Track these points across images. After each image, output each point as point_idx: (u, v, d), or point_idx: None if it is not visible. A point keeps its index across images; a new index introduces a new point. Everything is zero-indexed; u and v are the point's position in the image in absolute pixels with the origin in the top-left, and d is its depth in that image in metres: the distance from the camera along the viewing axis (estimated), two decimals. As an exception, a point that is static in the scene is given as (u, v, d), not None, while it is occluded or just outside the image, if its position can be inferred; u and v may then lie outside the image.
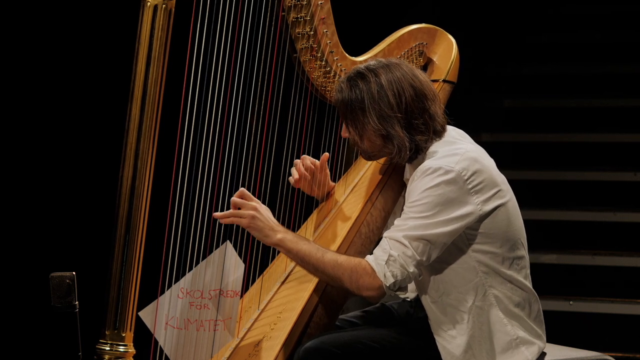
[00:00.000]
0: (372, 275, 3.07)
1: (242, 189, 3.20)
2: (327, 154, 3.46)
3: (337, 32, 3.41)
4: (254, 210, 3.15)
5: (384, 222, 3.40)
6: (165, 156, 3.07)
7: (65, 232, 4.93)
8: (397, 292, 3.25)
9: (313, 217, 3.53)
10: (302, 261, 3.15)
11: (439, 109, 3.20)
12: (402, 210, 3.17)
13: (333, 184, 3.56)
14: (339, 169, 3.59)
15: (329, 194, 3.55)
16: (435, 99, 3.20)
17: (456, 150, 3.14)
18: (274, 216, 3.23)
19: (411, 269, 3.07)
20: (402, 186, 3.43)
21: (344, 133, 3.27)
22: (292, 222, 3.44)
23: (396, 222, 3.12)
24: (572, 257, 6.29)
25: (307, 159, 3.45)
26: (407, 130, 3.16)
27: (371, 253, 3.15)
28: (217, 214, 3.14)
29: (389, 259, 3.06)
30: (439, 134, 3.19)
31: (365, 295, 3.10)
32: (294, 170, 3.43)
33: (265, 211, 3.17)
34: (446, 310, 3.15)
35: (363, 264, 3.09)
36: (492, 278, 3.14)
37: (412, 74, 3.19)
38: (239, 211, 3.16)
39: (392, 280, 3.06)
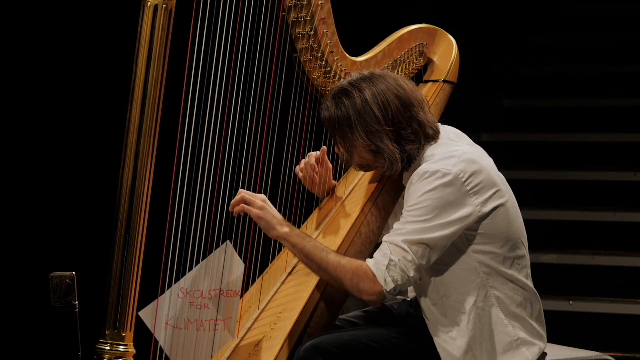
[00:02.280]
0: (373, 280, 3.07)
1: (242, 190, 3.21)
2: (324, 147, 3.45)
3: (337, 33, 3.41)
4: (262, 202, 3.17)
5: (385, 222, 3.40)
6: (165, 157, 3.08)
7: (65, 232, 4.93)
8: (397, 296, 3.25)
9: (313, 217, 3.53)
10: (306, 258, 3.15)
11: (428, 114, 3.19)
12: (402, 212, 3.17)
13: (334, 182, 3.56)
14: (339, 169, 3.59)
15: (329, 193, 3.55)
16: (423, 106, 3.18)
17: (453, 153, 3.13)
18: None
19: (412, 273, 3.07)
20: (402, 186, 3.43)
21: (337, 150, 3.28)
22: (293, 222, 3.43)
23: (395, 225, 3.12)
24: (572, 257, 6.29)
25: (313, 157, 3.45)
26: (397, 142, 3.16)
27: (372, 254, 3.15)
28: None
29: (389, 264, 3.06)
30: (432, 138, 3.18)
31: (366, 299, 3.10)
32: (299, 167, 3.45)
33: (272, 206, 3.20)
34: (447, 312, 3.15)
35: (364, 267, 3.09)
36: (493, 279, 3.14)
37: (397, 84, 3.18)
38: (250, 199, 3.16)
39: (392, 285, 3.06)
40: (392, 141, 3.15)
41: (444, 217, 3.07)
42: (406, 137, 3.16)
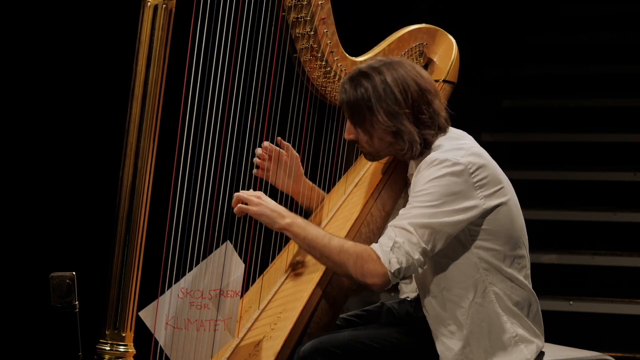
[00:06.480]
0: (377, 262, 3.06)
1: (237, 193, 3.20)
2: (279, 137, 3.43)
3: (337, 32, 3.41)
4: (258, 198, 3.17)
5: (385, 222, 3.40)
6: (165, 156, 3.08)
7: (65, 232, 4.93)
8: (402, 281, 3.23)
9: (314, 216, 3.53)
10: (309, 246, 3.15)
11: (441, 104, 3.21)
12: (405, 205, 3.17)
13: (310, 183, 3.53)
14: (339, 169, 3.59)
15: (330, 193, 3.55)
16: (437, 95, 3.21)
17: (462, 145, 3.15)
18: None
19: (416, 255, 3.06)
20: (402, 186, 3.44)
21: (348, 135, 3.26)
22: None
23: (401, 211, 3.12)
24: (572, 257, 6.30)
25: (265, 143, 3.41)
26: (416, 125, 3.16)
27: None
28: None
29: (394, 245, 3.06)
30: (443, 129, 3.20)
31: (370, 282, 3.08)
32: (255, 160, 3.43)
33: (269, 199, 3.20)
34: (446, 306, 3.16)
35: (368, 250, 3.09)
36: (492, 275, 3.15)
37: (415, 71, 3.19)
38: (246, 198, 3.16)
39: (397, 266, 3.05)
40: (411, 123, 3.16)
41: (450, 205, 3.07)
42: (424, 122, 3.16)
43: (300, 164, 3.48)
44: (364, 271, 3.08)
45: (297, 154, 3.47)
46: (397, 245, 3.06)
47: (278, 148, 3.44)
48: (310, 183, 3.54)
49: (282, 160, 3.46)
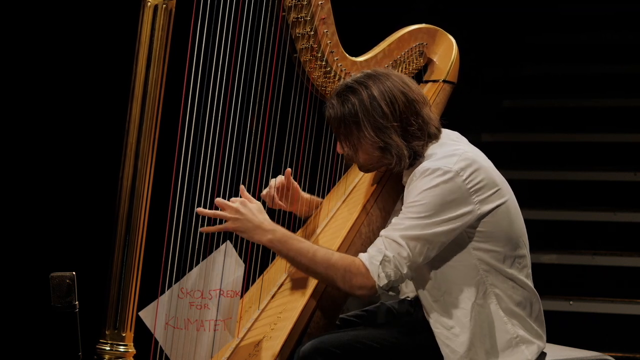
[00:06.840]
0: (366, 275, 3.07)
1: (217, 199, 3.15)
2: (289, 169, 3.41)
3: (337, 33, 3.41)
4: (236, 213, 3.12)
5: (384, 222, 3.40)
6: (165, 156, 3.08)
7: (65, 232, 4.93)
8: (389, 292, 3.24)
9: (314, 217, 3.53)
10: (293, 260, 3.14)
11: (431, 112, 3.20)
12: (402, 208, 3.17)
13: (307, 196, 3.51)
14: (339, 169, 3.59)
15: (330, 193, 3.55)
16: (426, 103, 3.20)
17: (454, 151, 3.14)
18: (274, 216, 3.23)
19: (405, 270, 3.06)
20: (402, 186, 3.43)
21: (339, 149, 3.26)
22: (293, 222, 3.44)
23: (393, 221, 3.12)
24: (572, 257, 6.29)
25: (273, 189, 3.38)
26: (404, 138, 3.16)
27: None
28: (203, 228, 3.12)
29: (383, 260, 3.06)
30: (434, 136, 3.19)
31: (358, 294, 3.09)
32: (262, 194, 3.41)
33: (249, 211, 3.13)
34: (448, 309, 3.15)
35: (357, 263, 3.09)
36: (493, 276, 3.14)
37: (402, 82, 3.18)
38: (222, 214, 3.12)
39: (385, 281, 3.06)
40: (400, 137, 3.15)
41: (444, 214, 3.07)
42: (412, 133, 3.16)
43: (299, 189, 3.47)
44: (352, 284, 3.08)
45: (297, 185, 3.45)
46: (386, 259, 3.06)
47: (282, 179, 3.41)
48: (307, 197, 3.52)
49: (284, 192, 3.45)
